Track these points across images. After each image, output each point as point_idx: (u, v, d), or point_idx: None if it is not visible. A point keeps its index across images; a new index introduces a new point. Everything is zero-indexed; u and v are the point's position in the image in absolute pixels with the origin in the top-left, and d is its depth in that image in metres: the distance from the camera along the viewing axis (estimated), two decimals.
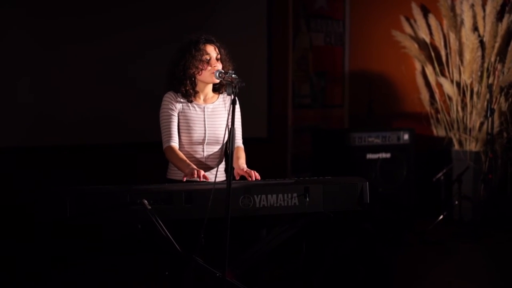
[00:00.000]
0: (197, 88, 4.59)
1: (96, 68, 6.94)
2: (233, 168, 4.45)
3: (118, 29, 7.01)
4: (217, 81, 4.53)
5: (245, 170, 4.44)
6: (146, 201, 3.82)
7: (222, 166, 4.65)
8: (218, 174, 4.50)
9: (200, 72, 4.53)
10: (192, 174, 4.21)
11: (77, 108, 6.86)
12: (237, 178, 4.47)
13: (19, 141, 6.67)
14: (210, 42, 4.59)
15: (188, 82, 4.54)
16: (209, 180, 4.28)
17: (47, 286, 5.71)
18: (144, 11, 7.14)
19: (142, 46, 7.06)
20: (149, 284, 5.41)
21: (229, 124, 3.99)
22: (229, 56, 4.66)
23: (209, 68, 4.52)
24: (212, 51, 4.55)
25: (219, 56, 4.57)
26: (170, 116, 4.54)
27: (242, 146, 4.71)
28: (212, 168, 4.57)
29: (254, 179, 4.36)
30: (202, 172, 4.25)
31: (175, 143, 4.51)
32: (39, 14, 6.72)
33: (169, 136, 4.52)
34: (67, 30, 6.81)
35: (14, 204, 6.50)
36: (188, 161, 4.41)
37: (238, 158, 4.58)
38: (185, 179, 4.24)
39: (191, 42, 4.57)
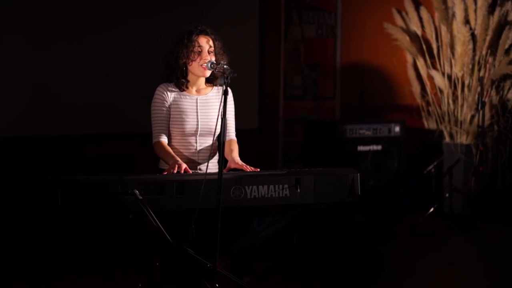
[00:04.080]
0: (189, 78, 4.60)
1: (92, 61, 6.91)
2: (226, 160, 4.47)
3: (112, 23, 6.99)
4: (207, 74, 4.55)
5: (240, 163, 4.45)
6: (137, 191, 3.83)
7: (214, 157, 4.66)
8: (210, 166, 4.51)
9: (191, 63, 4.54)
10: (173, 168, 4.22)
11: (69, 98, 6.83)
12: (226, 171, 4.47)
13: (12, 131, 6.65)
14: (204, 33, 4.59)
15: (179, 72, 4.55)
16: (191, 172, 4.31)
17: (36, 275, 5.71)
18: (139, 5, 7.12)
19: (137, 40, 7.03)
20: (140, 274, 5.41)
21: (221, 114, 4.00)
22: (223, 48, 4.66)
23: (199, 60, 4.52)
24: (204, 43, 4.55)
25: (212, 48, 4.57)
26: (161, 111, 4.55)
27: (235, 138, 4.72)
28: (205, 159, 4.58)
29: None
30: (184, 166, 4.26)
31: (164, 139, 4.53)
32: (36, 9, 6.70)
33: (159, 131, 4.54)
34: (64, 24, 6.78)
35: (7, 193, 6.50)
36: (173, 153, 4.44)
37: (231, 150, 4.58)
38: (165, 173, 4.25)
39: (186, 32, 4.58)
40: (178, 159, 4.36)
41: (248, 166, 4.41)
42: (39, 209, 3.85)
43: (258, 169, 4.39)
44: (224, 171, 4.42)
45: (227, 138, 4.68)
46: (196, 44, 4.54)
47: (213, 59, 4.53)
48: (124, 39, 7.02)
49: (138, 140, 6.94)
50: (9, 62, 6.61)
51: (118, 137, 7.11)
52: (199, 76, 4.59)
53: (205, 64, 4.46)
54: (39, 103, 6.73)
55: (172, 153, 4.45)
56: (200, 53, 4.53)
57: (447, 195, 7.81)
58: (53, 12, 6.74)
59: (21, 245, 6.40)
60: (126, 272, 5.73)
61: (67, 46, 6.81)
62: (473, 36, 8.12)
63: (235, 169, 4.45)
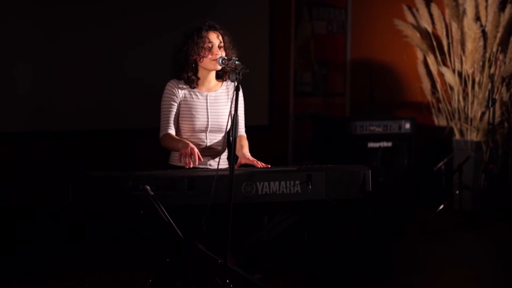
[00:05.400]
0: (199, 75, 4.60)
1: (97, 57, 6.90)
2: (236, 156, 4.46)
3: (118, 17, 6.98)
4: (219, 67, 4.54)
5: (250, 159, 4.45)
6: (148, 187, 3.83)
7: (224, 154, 4.66)
8: (220, 162, 4.51)
9: (202, 59, 4.54)
10: (186, 151, 4.18)
11: (78, 94, 6.83)
12: (237, 166, 4.47)
13: (20, 127, 6.65)
14: (213, 29, 4.59)
15: (189, 68, 4.55)
16: (202, 161, 4.31)
17: (45, 271, 5.72)
18: (145, 2, 7.11)
19: (143, 36, 7.03)
20: (151, 270, 5.41)
21: (232, 111, 4.00)
22: (232, 43, 4.66)
23: (210, 56, 4.52)
24: (214, 38, 4.55)
25: (222, 43, 4.57)
26: (170, 106, 4.55)
27: (245, 134, 4.71)
28: (215, 155, 4.58)
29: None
30: (195, 149, 4.24)
31: (171, 131, 4.52)
32: (40, 2, 6.69)
33: (166, 125, 4.54)
34: (68, 18, 6.77)
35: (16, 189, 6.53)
36: (180, 138, 4.43)
37: (242, 146, 4.58)
38: (180, 160, 4.23)
39: (195, 29, 4.58)
40: (187, 141, 4.34)
41: (259, 162, 4.41)
42: (50, 204, 3.85)
43: (269, 165, 4.39)
44: (235, 166, 4.42)
45: (237, 134, 4.68)
46: (207, 40, 4.54)
47: (223, 54, 4.53)
48: (130, 36, 7.01)
49: (146, 136, 6.96)
50: (10, 60, 6.60)
51: (127, 133, 7.11)
52: (210, 70, 4.59)
53: (215, 61, 4.46)
54: (41, 101, 6.72)
55: (179, 138, 4.45)
56: (210, 48, 4.54)
57: (457, 192, 7.79)
58: (54, 6, 6.72)
59: (30, 240, 6.42)
60: (137, 268, 5.74)
61: (68, 45, 6.79)
62: (483, 33, 8.09)
63: (246, 165, 4.45)
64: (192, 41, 4.54)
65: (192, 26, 4.61)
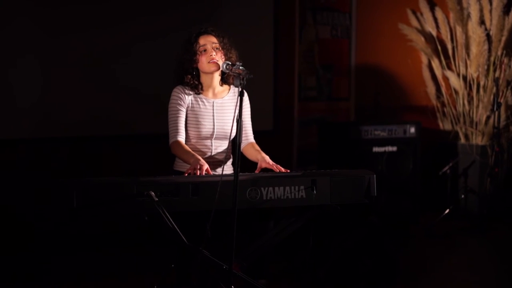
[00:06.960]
0: (202, 80, 4.59)
1: (97, 62, 6.88)
2: (240, 160, 4.45)
3: (118, 21, 6.95)
4: (214, 69, 4.53)
5: (270, 163, 4.45)
6: (153, 193, 3.82)
7: (230, 160, 4.66)
8: (225, 168, 4.51)
9: (197, 63, 4.54)
10: (195, 168, 4.20)
11: (79, 100, 6.79)
12: (257, 171, 4.47)
13: (20, 134, 6.62)
14: (205, 33, 4.60)
15: (189, 74, 4.56)
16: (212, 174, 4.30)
17: (49, 277, 5.72)
18: (147, 5, 7.09)
19: (145, 40, 7.00)
20: (156, 276, 5.41)
21: (237, 116, 3.99)
22: (229, 44, 4.65)
23: (204, 58, 4.53)
24: (207, 41, 4.56)
25: (216, 45, 4.57)
26: (177, 111, 4.54)
27: (254, 141, 4.72)
28: (220, 162, 4.58)
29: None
30: (206, 166, 4.24)
31: (181, 138, 4.51)
32: (42, 3, 6.68)
33: (176, 131, 4.53)
34: (69, 20, 6.75)
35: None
36: (193, 152, 4.42)
37: (258, 151, 4.59)
38: (187, 174, 4.23)
39: (190, 35, 4.60)
40: (200, 157, 4.34)
41: (279, 166, 4.41)
42: (55, 211, 3.85)
43: (289, 170, 4.39)
44: (256, 171, 4.42)
45: (247, 142, 4.69)
46: (199, 44, 4.54)
47: (222, 55, 4.54)
48: (132, 41, 6.98)
49: (149, 142, 6.95)
50: (8, 65, 6.58)
51: (126, 138, 7.09)
52: (209, 73, 4.57)
53: (221, 65, 4.46)
54: (41, 108, 6.69)
55: (192, 151, 4.44)
56: (205, 51, 4.54)
57: (462, 196, 7.79)
58: (54, 8, 6.70)
59: (34, 246, 6.42)
60: (142, 274, 5.73)
61: (67, 50, 6.76)
62: (488, 36, 8.08)
63: (265, 169, 4.45)
64: (185, 49, 4.57)
65: (189, 33, 4.64)
